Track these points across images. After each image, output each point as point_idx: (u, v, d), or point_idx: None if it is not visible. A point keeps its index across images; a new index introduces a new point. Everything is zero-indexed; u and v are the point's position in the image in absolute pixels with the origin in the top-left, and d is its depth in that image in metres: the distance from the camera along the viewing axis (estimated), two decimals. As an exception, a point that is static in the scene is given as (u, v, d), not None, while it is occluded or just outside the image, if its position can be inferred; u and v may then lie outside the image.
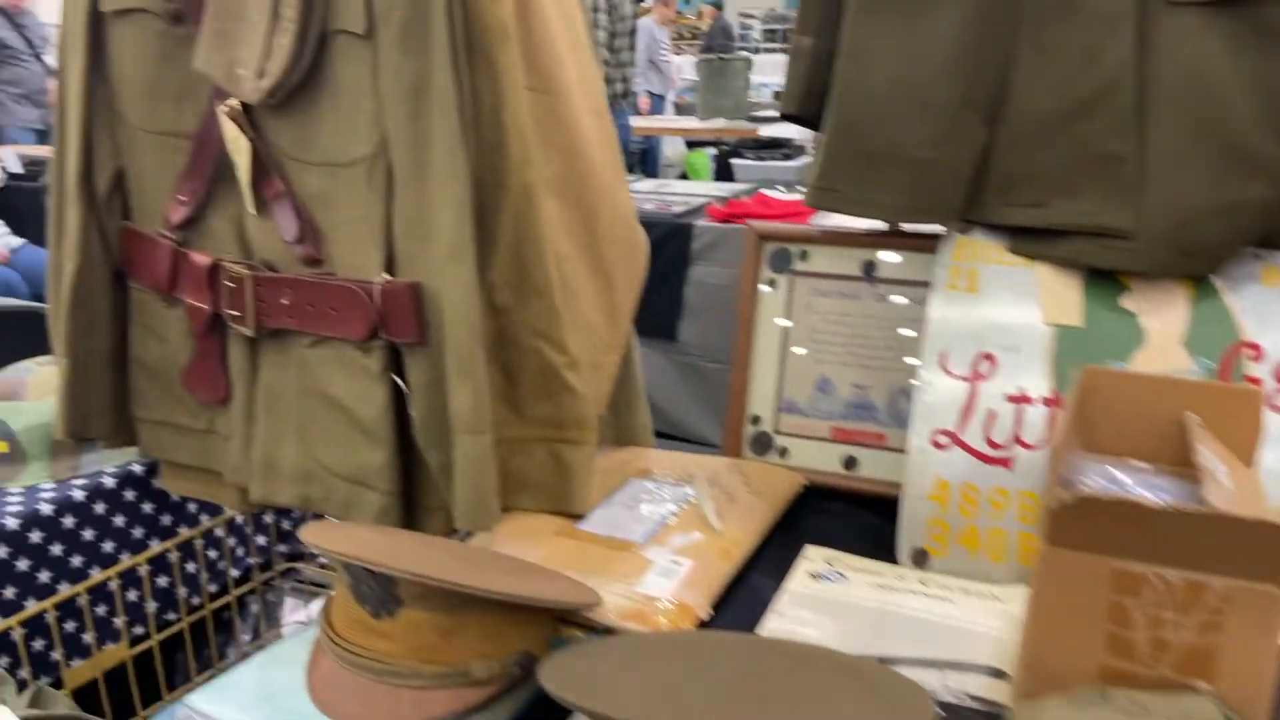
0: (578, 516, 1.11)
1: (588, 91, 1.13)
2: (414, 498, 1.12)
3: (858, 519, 1.18)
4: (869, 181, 1.14)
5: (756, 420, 1.29)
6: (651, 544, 1.05)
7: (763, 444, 1.29)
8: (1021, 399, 1.05)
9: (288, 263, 1.09)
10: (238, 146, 1.05)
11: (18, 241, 3.84)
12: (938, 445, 1.06)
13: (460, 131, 0.98)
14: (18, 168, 4.22)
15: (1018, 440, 1.04)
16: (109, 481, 1.32)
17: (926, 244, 1.21)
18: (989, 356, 1.08)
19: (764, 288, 1.29)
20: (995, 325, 1.08)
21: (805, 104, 1.21)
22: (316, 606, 1.56)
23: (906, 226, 1.25)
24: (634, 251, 1.20)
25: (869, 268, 1.25)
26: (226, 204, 1.13)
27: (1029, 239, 1.13)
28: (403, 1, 0.96)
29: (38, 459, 1.31)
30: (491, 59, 1.00)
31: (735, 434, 1.29)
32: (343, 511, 1.12)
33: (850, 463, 1.25)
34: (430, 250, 1.00)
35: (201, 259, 1.12)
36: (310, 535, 0.82)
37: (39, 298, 3.78)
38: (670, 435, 2.73)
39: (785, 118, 1.25)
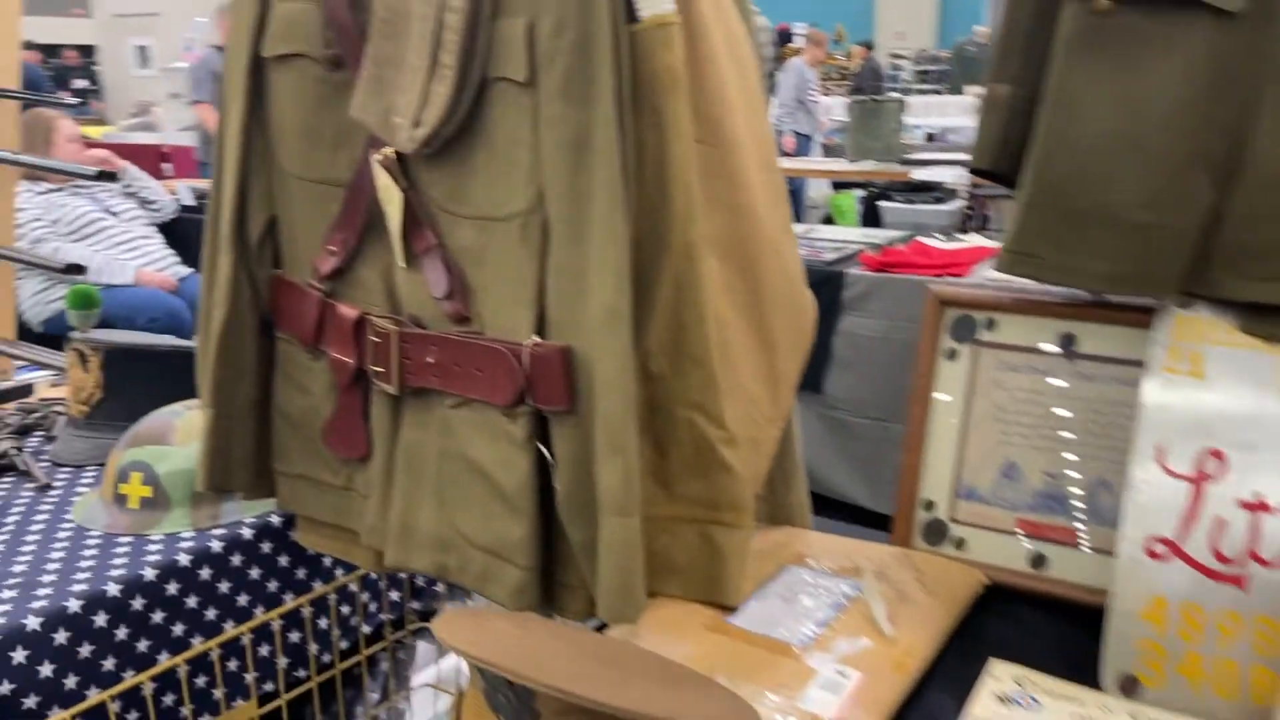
0: (729, 608, 1.01)
1: (758, 143, 1.04)
2: (554, 573, 1.04)
3: (1050, 630, 1.04)
4: (1074, 246, 1.01)
5: (930, 505, 1.16)
6: (814, 649, 0.93)
7: (936, 533, 1.16)
8: (1258, 506, 0.90)
9: (435, 319, 1.04)
10: (390, 197, 1.00)
11: (185, 271, 4.01)
12: (1153, 555, 0.91)
13: (622, 188, 0.90)
14: (191, 200, 4.43)
15: (1253, 556, 0.89)
16: (247, 533, 1.29)
17: (1137, 318, 1.07)
18: (1217, 454, 0.93)
19: (943, 359, 1.17)
20: (1225, 417, 0.94)
21: (999, 158, 1.09)
22: (446, 666, 1.50)
23: (1114, 297, 1.11)
24: (800, 316, 1.10)
25: (1067, 341, 1.11)
26: (377, 255, 1.08)
27: (1266, 318, 0.97)
28: (567, 47, 0.89)
29: (180, 505, 1.29)
30: (658, 109, 0.92)
31: (905, 519, 1.17)
32: (479, 584, 1.05)
33: (1039, 561, 1.11)
34: (584, 313, 0.93)
35: (348, 311, 1.08)
36: (445, 632, 0.74)
37: (202, 326, 3.94)
38: (813, 493, 2.61)
39: (976, 173, 1.13)
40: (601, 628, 1.00)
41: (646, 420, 0.98)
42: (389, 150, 1.00)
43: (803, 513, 1.19)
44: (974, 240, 3.34)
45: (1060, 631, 1.04)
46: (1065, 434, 1.10)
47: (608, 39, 0.89)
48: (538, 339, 0.96)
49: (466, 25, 0.92)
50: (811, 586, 1.05)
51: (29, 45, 10.48)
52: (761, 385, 1.07)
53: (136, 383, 1.49)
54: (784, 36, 13.19)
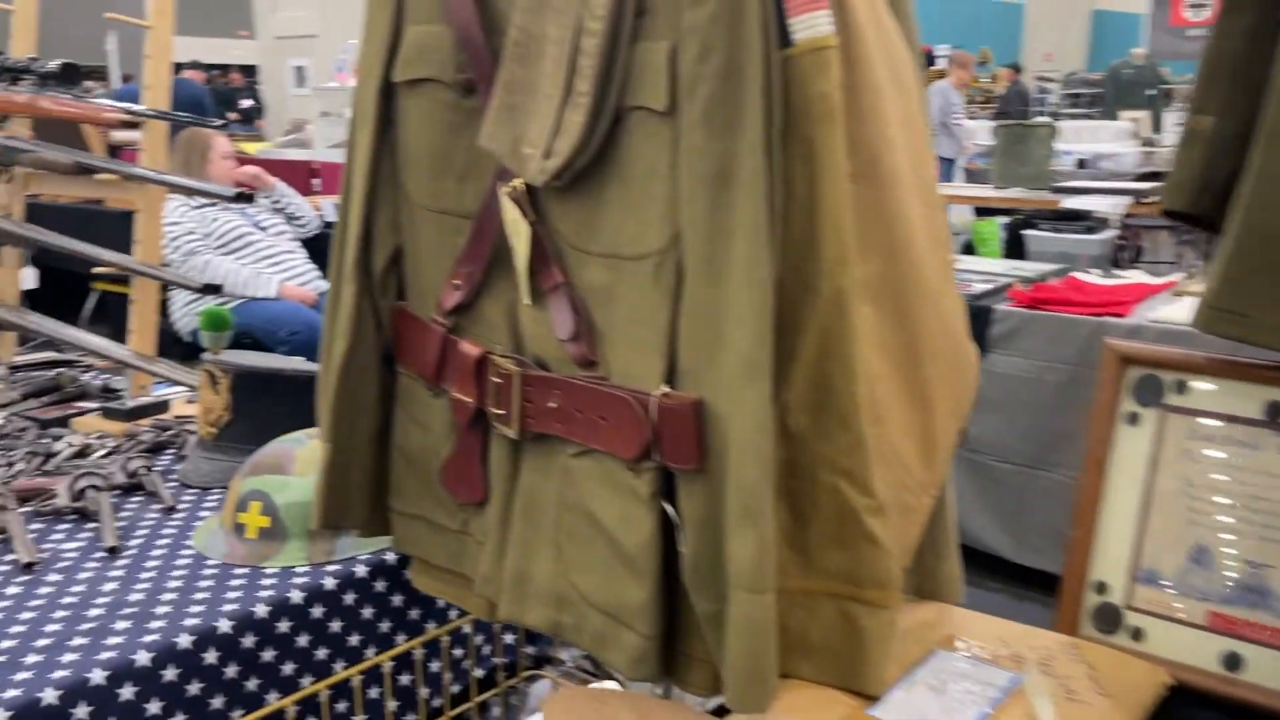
0: (870, 697, 0.90)
1: (920, 179, 0.93)
2: (676, 642, 0.96)
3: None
4: (1292, 305, 0.87)
5: (1102, 588, 1.03)
6: (969, 755, 0.82)
7: (1109, 620, 1.02)
8: None
9: (560, 361, 0.97)
10: (518, 230, 0.94)
11: (326, 285, 4.11)
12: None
13: (767, 226, 0.82)
14: (335, 216, 4.54)
15: None
16: (361, 570, 1.24)
17: (1363, 387, 0.92)
18: None
19: (1123, 423, 1.03)
20: None
21: (1199, 199, 0.96)
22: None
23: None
24: (961, 371, 0.99)
25: (1275, 411, 0.96)
26: (502, 291, 1.02)
27: None
28: (712, 73, 0.81)
29: (296, 538, 1.26)
30: (810, 140, 0.84)
31: (1073, 601, 1.04)
32: (595, 646, 0.97)
33: (1233, 662, 0.96)
34: (720, 364, 0.84)
35: (471, 349, 1.02)
36: (556, 715, 0.66)
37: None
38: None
39: (1169, 214, 1.00)
40: (723, 710, 0.91)
41: (783, 482, 0.89)
42: (518, 182, 0.94)
43: (954, 586, 1.07)
44: (1134, 276, 3.11)
45: (1259, 748, 0.90)
46: (1270, 518, 0.96)
47: (758, 64, 0.80)
48: (667, 389, 0.88)
49: (604, 50, 0.86)
50: (965, 676, 0.94)
51: (195, 65, 11.07)
52: (914, 448, 0.96)
53: (265, 406, 1.48)
54: (928, 59, 12.87)
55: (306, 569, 1.24)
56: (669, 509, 0.91)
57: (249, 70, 13.55)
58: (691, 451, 0.86)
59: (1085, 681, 0.93)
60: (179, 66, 12.78)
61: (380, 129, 1.04)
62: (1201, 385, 1.00)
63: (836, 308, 0.86)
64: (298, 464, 1.29)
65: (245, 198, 1.58)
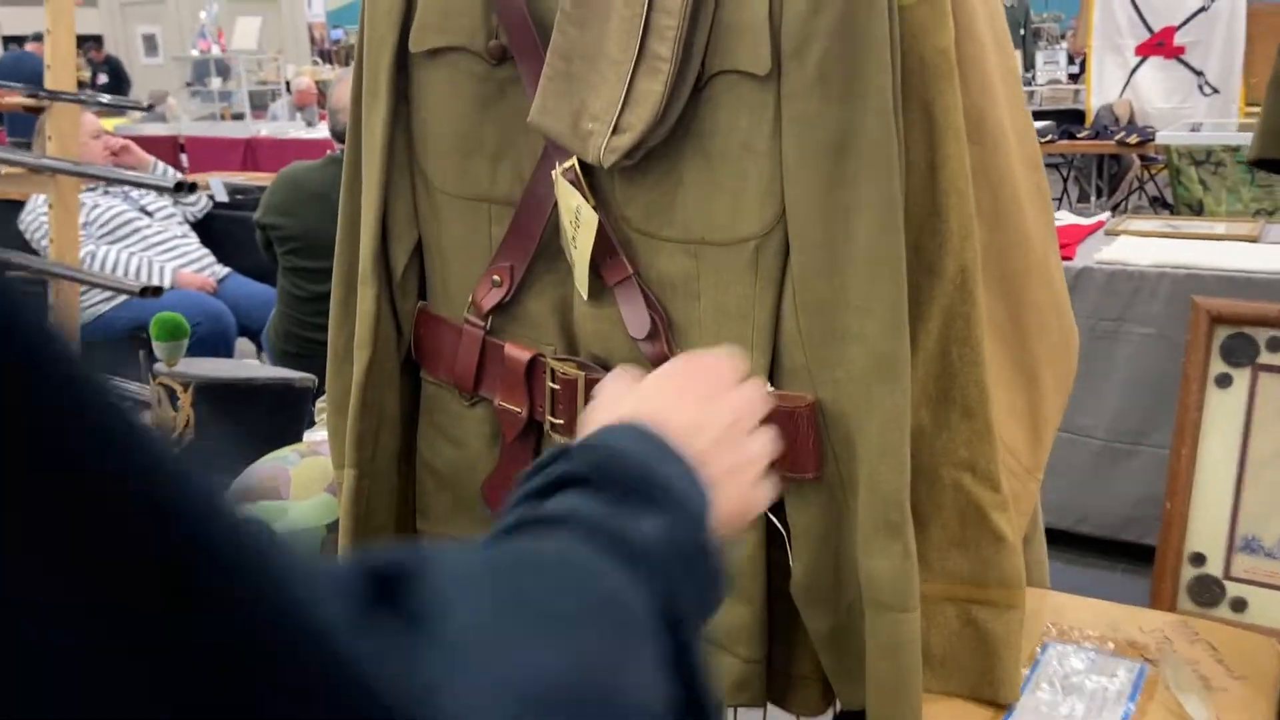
0: (1000, 705, 0.84)
1: (1023, 138, 0.85)
2: (777, 662, 0.87)
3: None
4: None
5: (1199, 560, 0.99)
6: (1136, 765, 0.76)
7: (1209, 592, 0.98)
8: None
9: (627, 361, 0.86)
10: (582, 219, 0.82)
11: (224, 270, 3.84)
12: None
13: (897, 205, 0.72)
14: (224, 196, 4.25)
15: None
16: (381, 601, 1.11)
17: None
18: None
19: (1214, 386, 0.98)
20: None
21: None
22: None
23: None
24: (1067, 348, 0.92)
25: (1378, 365, 0.92)
26: (548, 286, 0.90)
27: None
28: (828, 29, 0.71)
29: (302, 572, 1.12)
30: (928, 102, 0.74)
31: (1171, 575, 0.99)
32: None
33: (1346, 627, 0.93)
34: (844, 361, 0.75)
35: (520, 353, 0.90)
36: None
37: (246, 330, 3.76)
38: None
39: (1259, 164, 0.95)
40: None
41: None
42: (572, 162, 0.82)
43: (1043, 570, 1.02)
44: (1064, 217, 3.13)
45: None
46: (1377, 476, 0.92)
47: (881, 16, 0.70)
48: (772, 389, 0.78)
49: (688, 5, 0.74)
50: (1089, 671, 0.88)
51: (39, 37, 10.28)
52: (1022, 431, 0.89)
53: (234, 421, 1.32)
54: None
55: (320, 606, 1.10)
56: (775, 521, 0.82)
57: (96, 40, 12.67)
58: (809, 459, 0.77)
59: (1213, 665, 0.88)
60: (19, 40, 11.85)
61: (395, 107, 0.90)
62: (1297, 342, 0.95)
63: (961, 289, 0.78)
64: (294, 486, 1.15)
65: (187, 188, 1.40)
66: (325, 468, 1.16)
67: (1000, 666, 0.84)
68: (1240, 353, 0.97)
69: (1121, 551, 2.40)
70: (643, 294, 0.83)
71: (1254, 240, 2.51)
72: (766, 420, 0.73)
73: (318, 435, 1.23)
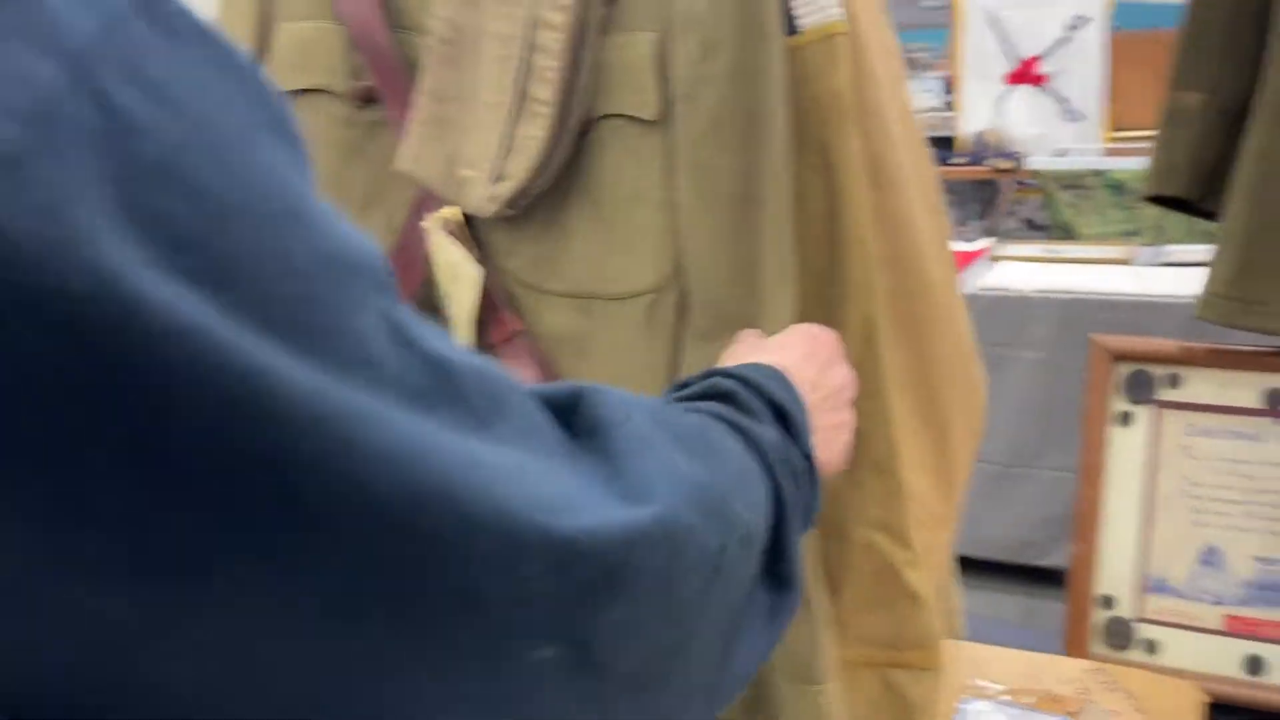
0: (924, 772, 0.79)
1: (922, 180, 0.82)
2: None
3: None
4: (1312, 291, 0.82)
5: (1109, 602, 0.97)
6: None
7: (1120, 635, 0.96)
8: None
9: (517, 428, 0.79)
10: (459, 274, 0.76)
11: None
12: None
13: (795, 255, 0.68)
14: None
15: None
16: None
17: (1362, 368, 0.89)
18: None
19: (1115, 425, 0.97)
20: None
21: (1192, 182, 0.90)
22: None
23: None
24: (974, 393, 0.89)
25: (1275, 398, 0.92)
26: (429, 345, 0.83)
27: None
28: (721, 73, 0.66)
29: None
30: (825, 147, 0.70)
31: (1081, 620, 0.97)
32: None
33: (1256, 665, 0.92)
34: None
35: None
36: None
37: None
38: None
39: (1156, 200, 0.94)
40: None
41: (810, 544, 0.76)
42: (450, 212, 0.76)
43: (957, 619, 0.98)
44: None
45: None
46: (1278, 509, 0.92)
47: (777, 59, 0.66)
48: None
49: (570, 46, 0.69)
50: (1009, 729, 0.84)
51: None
52: (930, 480, 0.85)
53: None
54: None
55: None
56: None
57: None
58: None
59: (1134, 715, 0.86)
60: None
61: None
62: (1195, 376, 0.94)
63: (866, 340, 0.74)
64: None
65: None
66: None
67: (920, 733, 0.80)
68: (1141, 390, 0.96)
69: (1019, 574, 2.42)
70: (530, 353, 0.77)
71: (1128, 263, 2.58)
72: None
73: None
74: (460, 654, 0.31)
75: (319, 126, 0.80)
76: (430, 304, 0.81)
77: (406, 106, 0.76)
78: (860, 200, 0.72)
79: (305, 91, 0.80)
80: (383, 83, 0.77)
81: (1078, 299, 2.33)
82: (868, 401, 0.75)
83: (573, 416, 0.39)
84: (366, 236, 0.34)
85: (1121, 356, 0.96)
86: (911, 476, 0.84)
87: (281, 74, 0.80)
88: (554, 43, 0.68)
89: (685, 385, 0.55)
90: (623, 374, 0.74)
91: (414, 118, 0.74)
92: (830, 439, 0.61)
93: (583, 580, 0.32)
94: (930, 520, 0.86)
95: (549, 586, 0.32)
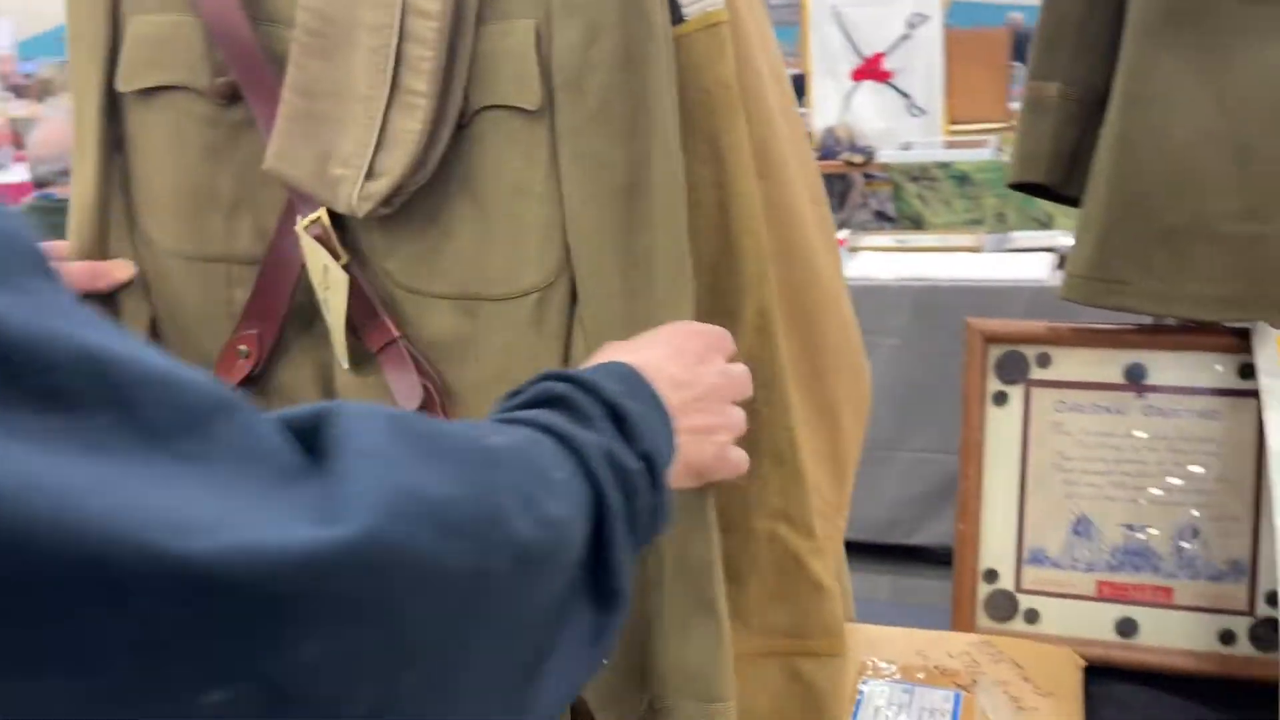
0: (832, 759, 0.80)
1: (806, 171, 0.83)
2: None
3: (1175, 714, 0.90)
4: (1169, 269, 0.87)
5: (992, 576, 1.00)
6: (972, 808, 0.74)
7: (1004, 607, 0.99)
8: None
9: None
10: (331, 279, 0.72)
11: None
12: (1326, 626, 0.78)
13: (688, 246, 0.68)
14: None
15: None
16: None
17: (1210, 340, 0.94)
18: (1370, 498, 0.81)
19: (991, 404, 1.00)
20: (1368, 454, 0.82)
21: (1053, 169, 0.94)
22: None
23: (1173, 320, 0.98)
24: (862, 382, 0.90)
25: (1135, 373, 0.97)
26: (306, 353, 0.79)
27: (1377, 333, 0.87)
28: (606, 60, 0.65)
29: None
30: (714, 136, 0.70)
31: (969, 595, 1.00)
32: None
33: (1127, 627, 0.96)
34: None
35: (275, 435, 0.78)
36: None
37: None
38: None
39: (1019, 188, 0.97)
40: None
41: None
42: (321, 214, 0.72)
43: (850, 603, 1.00)
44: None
45: (1173, 708, 0.90)
46: (1143, 479, 0.96)
47: (663, 44, 0.65)
48: None
49: (444, 35, 0.66)
50: (908, 706, 0.86)
51: None
52: (824, 468, 0.86)
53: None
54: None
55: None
56: None
57: None
58: None
59: (1021, 684, 0.89)
60: None
61: (106, 158, 0.76)
62: (1063, 355, 0.98)
63: (761, 332, 0.74)
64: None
65: None
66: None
67: (828, 719, 0.80)
68: (1013, 370, 0.99)
69: (888, 554, 2.50)
70: (412, 359, 0.74)
71: (977, 251, 2.70)
72: None
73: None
74: (120, 703, 0.27)
75: (178, 126, 0.75)
76: (312, 306, 0.77)
77: (273, 104, 0.71)
78: (751, 191, 0.72)
79: (163, 89, 0.75)
80: (246, 79, 0.73)
81: (931, 286, 2.42)
82: (765, 392, 0.75)
83: (314, 438, 0.36)
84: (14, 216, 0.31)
85: (993, 339, 0.99)
86: (808, 466, 0.84)
87: (136, 70, 0.75)
88: (429, 31, 0.66)
89: (518, 393, 0.53)
90: (511, 377, 0.72)
91: (281, 114, 0.70)
92: (700, 441, 0.59)
93: (243, 611, 0.28)
94: (827, 508, 0.87)
95: (190, 618, 0.27)
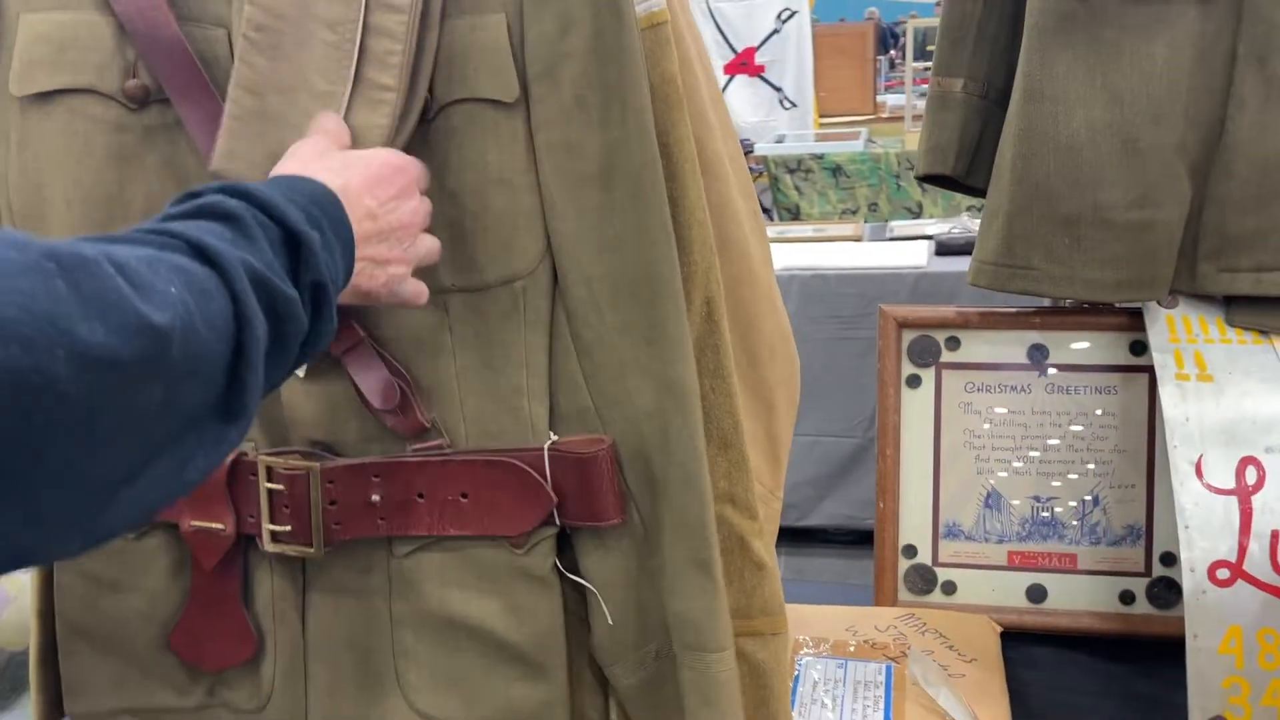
0: (778, 735, 0.83)
1: (736, 166, 0.85)
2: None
3: (1084, 673, 0.96)
4: (1068, 255, 0.92)
5: (911, 551, 1.05)
6: (917, 770, 0.78)
7: (923, 580, 1.04)
8: (1306, 511, 0.86)
9: (361, 442, 0.75)
10: (283, 282, 0.70)
11: None
12: (1218, 582, 0.85)
13: (670, 227, 0.69)
14: None
15: (1316, 565, 0.85)
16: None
17: (1106, 320, 1.01)
18: (1253, 461, 0.88)
19: (905, 387, 1.05)
20: (1250, 421, 0.89)
21: (959, 161, 0.99)
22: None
23: (1069, 301, 1.04)
24: (793, 369, 0.93)
25: (1037, 353, 1.03)
26: (240, 364, 0.77)
27: (1252, 309, 0.95)
28: (579, 49, 0.66)
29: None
30: (663, 132, 0.71)
31: (890, 570, 1.04)
32: None
33: (1037, 593, 1.02)
34: (635, 396, 0.71)
35: (214, 452, 0.75)
36: None
37: None
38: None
39: (927, 179, 1.02)
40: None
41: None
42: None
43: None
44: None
45: (1104, 671, 0.96)
46: (1047, 454, 1.03)
47: (634, 33, 0.67)
48: (555, 436, 0.72)
49: (412, 29, 0.65)
50: (843, 681, 0.90)
51: None
52: (763, 455, 0.88)
53: None
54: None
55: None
56: (574, 579, 0.76)
57: None
58: (613, 504, 0.72)
59: (946, 653, 0.94)
60: None
61: None
62: (970, 338, 1.04)
63: (708, 320, 0.75)
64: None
65: None
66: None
67: (773, 698, 0.83)
68: (925, 353, 1.04)
69: (782, 536, 2.56)
70: (381, 358, 0.73)
71: (859, 240, 2.79)
72: (564, 469, 0.70)
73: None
74: None
75: (82, 132, 0.71)
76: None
77: (203, 104, 0.69)
78: (698, 185, 0.73)
79: (60, 93, 0.71)
80: (171, 80, 0.70)
81: (818, 274, 2.49)
82: (712, 380, 0.77)
83: None
84: None
85: (906, 324, 1.04)
86: (750, 450, 0.87)
87: (31, 73, 0.70)
88: (397, 25, 0.65)
89: (194, 196, 0.52)
90: (494, 365, 0.72)
91: (228, 113, 0.68)
92: (373, 270, 0.61)
93: None
94: (765, 493, 0.90)
95: None
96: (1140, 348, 0.99)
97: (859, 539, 2.77)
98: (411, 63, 0.65)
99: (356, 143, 0.66)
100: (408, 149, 0.68)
